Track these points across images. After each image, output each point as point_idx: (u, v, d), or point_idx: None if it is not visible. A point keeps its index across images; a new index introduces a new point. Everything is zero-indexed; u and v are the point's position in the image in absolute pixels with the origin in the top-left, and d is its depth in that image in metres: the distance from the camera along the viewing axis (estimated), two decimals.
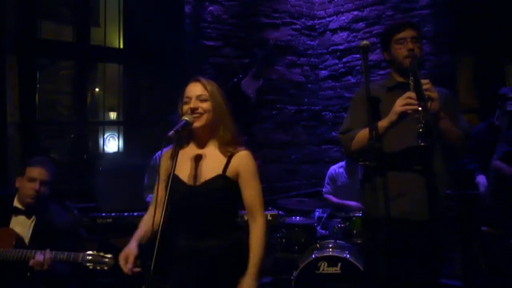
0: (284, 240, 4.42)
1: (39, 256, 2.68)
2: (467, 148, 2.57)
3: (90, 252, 2.73)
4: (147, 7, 5.09)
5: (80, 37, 4.98)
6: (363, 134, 2.37)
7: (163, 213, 1.89)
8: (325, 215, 4.91)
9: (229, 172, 2.14)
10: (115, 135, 5.36)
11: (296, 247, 4.33)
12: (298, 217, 4.56)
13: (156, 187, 2.23)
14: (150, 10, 5.07)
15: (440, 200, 2.45)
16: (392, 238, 2.29)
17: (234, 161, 2.16)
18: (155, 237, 1.83)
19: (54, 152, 4.83)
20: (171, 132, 1.99)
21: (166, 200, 1.93)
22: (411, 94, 2.24)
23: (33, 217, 2.93)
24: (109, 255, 2.71)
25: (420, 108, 2.15)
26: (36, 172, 2.89)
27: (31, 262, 2.68)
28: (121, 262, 2.02)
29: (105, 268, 2.69)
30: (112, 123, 5.39)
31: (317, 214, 5.03)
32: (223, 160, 2.16)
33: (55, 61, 5.12)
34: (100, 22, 5.28)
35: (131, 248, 2.06)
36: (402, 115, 2.26)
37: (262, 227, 2.15)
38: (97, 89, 5.42)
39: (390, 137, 2.41)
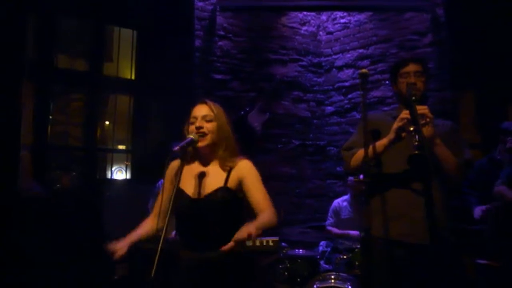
0: (286, 273, 4.40)
1: None
2: (463, 176, 2.63)
3: None
4: (158, 42, 5.28)
5: (93, 71, 5.18)
6: (362, 152, 2.46)
7: (166, 223, 1.96)
8: (328, 249, 4.90)
9: (230, 183, 2.22)
10: (122, 168, 5.47)
11: (299, 279, 4.31)
12: (301, 250, 4.56)
13: (159, 197, 2.31)
14: (161, 44, 5.25)
15: (439, 225, 2.48)
16: (389, 259, 2.33)
17: (235, 171, 2.24)
18: (157, 245, 1.88)
19: (65, 178, 4.94)
20: (177, 148, 2.08)
21: (169, 211, 2.00)
22: (406, 112, 2.35)
23: None
24: None
25: (411, 128, 2.26)
26: None
27: None
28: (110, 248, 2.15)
29: None
30: (121, 151, 5.52)
31: (320, 248, 5.02)
32: (224, 174, 2.24)
33: (68, 90, 5.30)
34: (113, 57, 5.48)
35: (121, 245, 2.17)
36: (399, 133, 2.38)
37: (271, 214, 2.16)
38: (107, 122, 5.59)
39: (389, 160, 2.51)
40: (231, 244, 1.96)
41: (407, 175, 2.48)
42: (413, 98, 2.41)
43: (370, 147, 2.41)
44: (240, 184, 2.23)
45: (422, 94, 2.57)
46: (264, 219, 2.10)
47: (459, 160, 2.50)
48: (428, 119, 2.33)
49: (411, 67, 2.62)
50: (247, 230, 1.91)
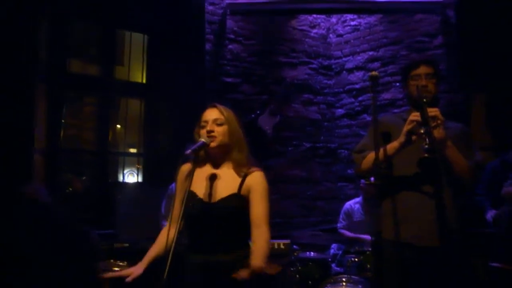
0: (298, 276, 4.39)
1: None
2: (475, 179, 2.62)
3: None
4: (169, 45, 5.31)
5: (104, 75, 5.23)
6: (373, 155, 2.46)
7: (178, 226, 1.98)
8: (340, 252, 4.89)
9: (243, 191, 2.24)
10: (134, 171, 5.51)
11: (310, 282, 4.30)
12: (312, 253, 4.55)
13: (172, 206, 2.33)
14: (172, 48, 5.28)
15: (449, 227, 2.48)
16: (399, 261, 2.33)
17: (248, 180, 2.25)
18: (169, 250, 1.90)
19: (76, 182, 4.99)
20: (189, 151, 2.11)
21: (181, 214, 2.02)
22: (416, 114, 2.35)
23: None
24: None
25: (422, 131, 2.25)
26: None
27: None
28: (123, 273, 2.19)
29: None
30: (132, 155, 5.56)
31: (332, 251, 5.01)
32: (238, 179, 2.25)
33: (81, 94, 5.35)
34: (125, 61, 5.53)
35: (136, 268, 2.21)
36: (410, 136, 2.37)
37: (265, 236, 2.17)
38: (118, 126, 5.63)
39: (400, 162, 2.50)
40: (244, 274, 2.00)
41: (417, 178, 2.48)
42: (424, 100, 2.41)
43: (381, 150, 2.40)
44: (249, 192, 2.24)
45: (433, 96, 2.57)
46: (264, 250, 2.13)
47: (470, 162, 2.49)
48: (439, 121, 2.32)
49: (422, 69, 2.61)
50: (258, 266, 2.02)
